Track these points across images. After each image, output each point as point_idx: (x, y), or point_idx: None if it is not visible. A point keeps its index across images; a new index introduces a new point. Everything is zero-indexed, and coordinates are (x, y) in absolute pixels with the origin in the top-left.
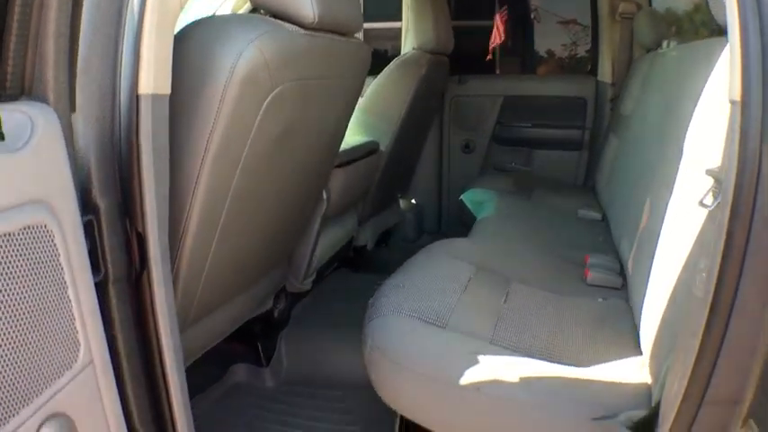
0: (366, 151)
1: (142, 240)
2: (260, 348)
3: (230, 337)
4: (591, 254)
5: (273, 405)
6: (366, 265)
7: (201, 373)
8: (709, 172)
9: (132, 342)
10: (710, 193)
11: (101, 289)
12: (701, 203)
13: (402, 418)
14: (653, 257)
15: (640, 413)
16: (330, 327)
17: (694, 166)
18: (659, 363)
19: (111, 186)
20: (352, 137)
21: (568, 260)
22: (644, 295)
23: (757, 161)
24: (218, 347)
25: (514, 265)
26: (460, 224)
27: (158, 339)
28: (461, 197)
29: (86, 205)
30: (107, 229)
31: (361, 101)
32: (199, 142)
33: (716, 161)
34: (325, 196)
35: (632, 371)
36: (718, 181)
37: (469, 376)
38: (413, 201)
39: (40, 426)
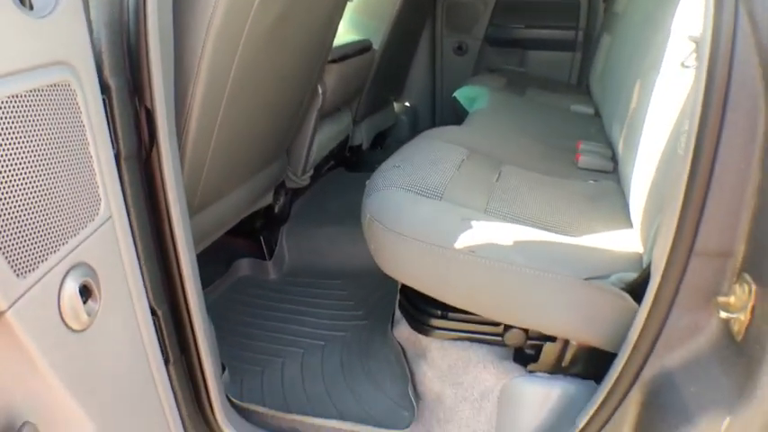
0: (359, 48)
1: (151, 118)
2: (262, 242)
3: (233, 232)
4: (583, 141)
5: (277, 296)
6: (362, 165)
7: (207, 269)
8: (691, 38)
9: (144, 220)
10: (692, 56)
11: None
12: (683, 65)
13: (402, 291)
14: (641, 134)
15: (632, 275)
16: (329, 221)
17: (680, 40)
18: (649, 230)
19: (121, 66)
20: (346, 35)
21: (560, 147)
22: (633, 169)
23: (733, 18)
24: (222, 243)
25: (507, 149)
26: (455, 122)
27: (169, 217)
28: (454, 94)
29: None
30: (118, 107)
31: (353, 2)
32: (200, 23)
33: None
34: (320, 90)
35: (624, 240)
36: (698, 44)
37: (464, 240)
38: (407, 104)
39: (66, 273)
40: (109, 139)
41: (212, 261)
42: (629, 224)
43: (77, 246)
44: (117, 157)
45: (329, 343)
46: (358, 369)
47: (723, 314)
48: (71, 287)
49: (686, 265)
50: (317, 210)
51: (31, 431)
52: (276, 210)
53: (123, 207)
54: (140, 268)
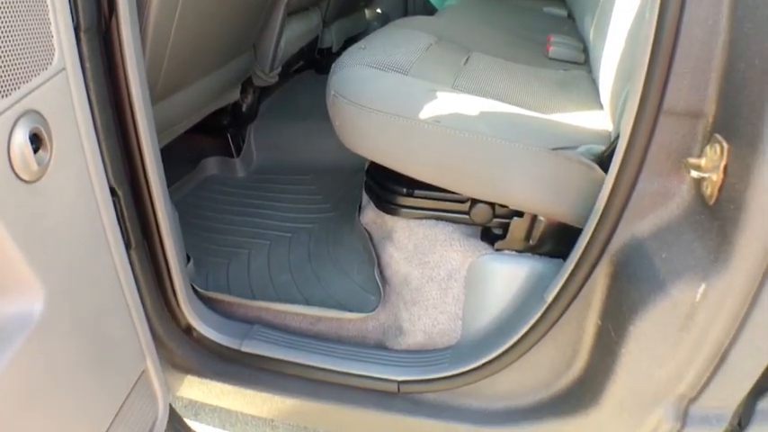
0: None
1: None
2: (230, 140)
3: (200, 130)
4: (554, 34)
5: (245, 192)
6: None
7: (174, 168)
8: None
9: (104, 95)
10: None
11: None
12: None
13: (368, 172)
14: (611, 16)
15: (600, 147)
16: (297, 119)
17: None
18: (617, 107)
19: None
20: None
21: (531, 39)
22: (603, 52)
23: None
24: (189, 142)
25: (476, 38)
26: None
27: (129, 93)
28: None
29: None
30: None
31: None
32: None
33: None
34: None
35: (593, 118)
36: None
37: (429, 111)
38: (378, 11)
39: (17, 120)
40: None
41: (179, 160)
42: (600, 107)
43: (29, 93)
44: (76, 31)
45: (296, 234)
46: (325, 257)
47: (694, 173)
48: (20, 134)
49: (654, 126)
50: (286, 107)
51: None
52: (244, 108)
53: (78, 61)
54: (98, 143)
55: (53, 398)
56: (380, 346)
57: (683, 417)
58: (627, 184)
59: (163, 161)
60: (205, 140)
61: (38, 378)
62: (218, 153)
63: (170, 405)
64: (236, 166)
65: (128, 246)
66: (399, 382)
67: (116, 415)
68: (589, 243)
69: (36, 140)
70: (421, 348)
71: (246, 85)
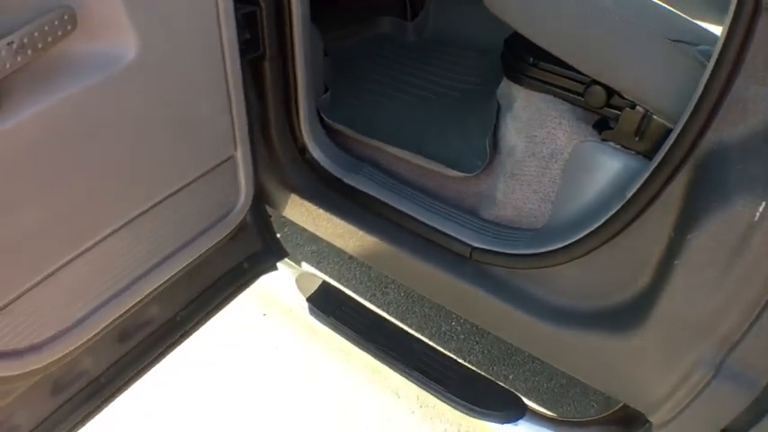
0: None
1: None
2: (407, 3)
3: None
4: None
5: (405, 53)
6: None
7: (349, 20)
8: None
9: None
10: None
11: None
12: None
13: (505, 41)
14: None
15: None
16: None
17: None
18: None
19: None
20: None
21: None
22: None
23: None
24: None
25: None
26: None
27: None
28: None
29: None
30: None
31: None
32: None
33: None
34: None
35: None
36: None
37: None
38: None
39: None
40: None
41: (355, 12)
42: None
43: None
44: None
45: (439, 98)
46: (454, 121)
47: None
48: None
49: (752, 25)
50: None
51: (70, 15)
52: None
53: None
54: None
55: (125, 141)
56: (473, 214)
57: (718, 366)
58: (720, 87)
59: (337, 9)
60: None
61: (114, 119)
62: (393, 14)
63: (268, 215)
64: (407, 30)
65: (262, 57)
66: (473, 248)
67: (192, 181)
68: (675, 143)
69: None
70: (507, 224)
71: None
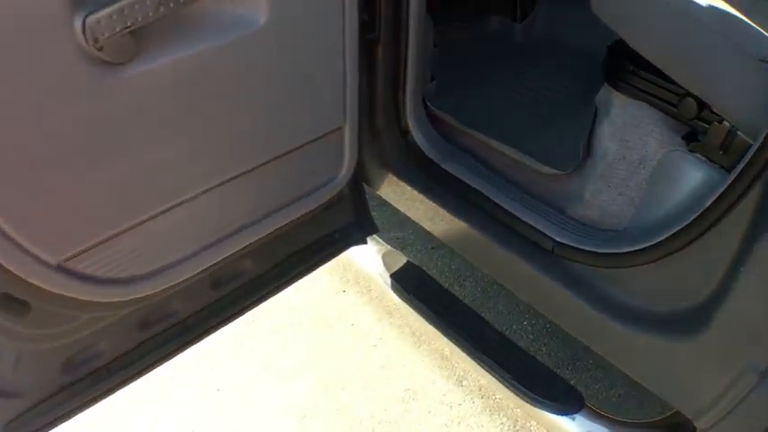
0: None
1: None
2: (517, 5)
3: None
4: None
5: (516, 54)
6: None
7: (460, 16)
8: None
9: None
10: None
11: None
12: None
13: (609, 47)
14: None
15: None
16: None
17: None
18: None
19: None
20: None
21: None
22: None
23: None
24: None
25: None
26: None
27: None
28: None
29: None
30: None
31: None
32: None
33: None
34: None
35: None
36: None
37: None
38: None
39: None
40: None
41: (465, 11)
42: None
43: None
44: None
45: (539, 97)
46: (553, 122)
47: None
48: None
49: None
50: None
51: None
52: None
53: None
54: None
55: (244, 101)
56: (559, 210)
57: (764, 373)
58: None
59: (450, 4)
60: None
61: (236, 78)
62: (502, 13)
63: (364, 190)
64: (515, 30)
65: (377, 39)
66: (556, 242)
67: (299, 147)
68: (753, 159)
69: None
70: (590, 223)
71: None
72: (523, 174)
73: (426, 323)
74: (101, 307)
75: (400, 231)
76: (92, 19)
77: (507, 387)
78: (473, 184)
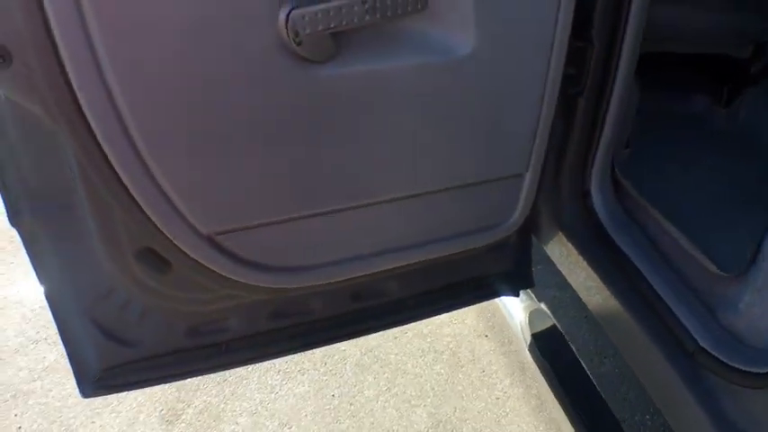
0: None
1: None
2: (724, 90)
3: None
4: None
5: (714, 139)
6: None
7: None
8: None
9: None
10: None
11: None
12: None
13: None
14: None
15: None
16: None
17: None
18: None
19: None
20: None
21: None
22: None
23: None
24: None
25: None
26: None
27: None
28: None
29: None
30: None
31: None
32: None
33: None
34: None
35: None
36: None
37: None
38: None
39: None
40: None
41: (672, 84)
42: None
43: None
44: None
45: (727, 189)
46: (733, 217)
47: None
48: None
49: None
50: None
51: None
52: (752, 68)
53: None
54: None
55: (432, 124)
56: (710, 311)
57: None
58: None
59: (658, 74)
60: (698, 76)
61: (430, 101)
62: (706, 92)
63: (530, 241)
64: (719, 115)
65: (580, 93)
66: (699, 347)
67: (476, 183)
68: None
69: None
70: (736, 333)
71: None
72: (688, 265)
73: (550, 392)
74: (238, 286)
75: (559, 291)
76: (296, 13)
77: None
78: (637, 263)
